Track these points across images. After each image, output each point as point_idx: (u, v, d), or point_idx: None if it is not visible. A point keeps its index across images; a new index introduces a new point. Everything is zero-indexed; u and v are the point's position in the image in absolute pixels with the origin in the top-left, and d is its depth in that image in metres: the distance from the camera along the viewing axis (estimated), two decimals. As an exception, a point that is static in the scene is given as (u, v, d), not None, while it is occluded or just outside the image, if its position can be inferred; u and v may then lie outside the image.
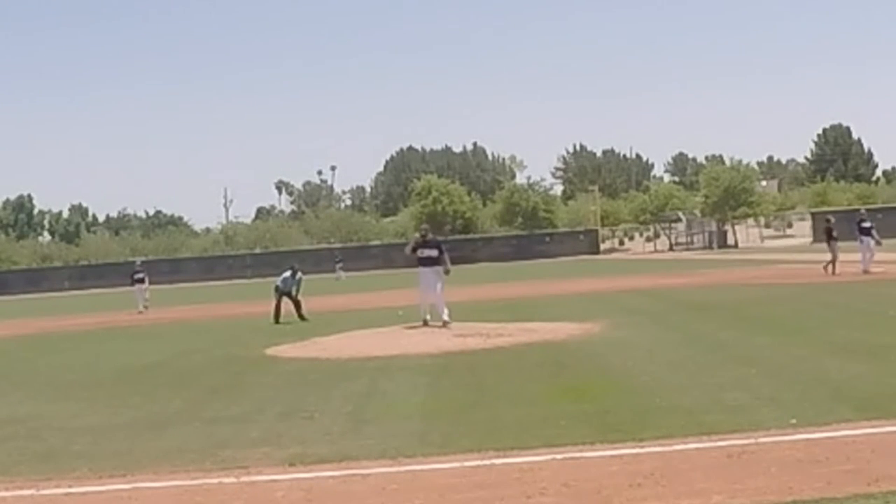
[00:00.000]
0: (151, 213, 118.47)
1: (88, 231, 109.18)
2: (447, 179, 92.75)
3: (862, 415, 6.91)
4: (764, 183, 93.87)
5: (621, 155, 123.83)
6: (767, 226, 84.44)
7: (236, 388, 10.90)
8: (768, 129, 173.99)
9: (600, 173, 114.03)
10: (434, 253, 16.82)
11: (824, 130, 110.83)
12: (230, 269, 79.09)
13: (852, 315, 14.82)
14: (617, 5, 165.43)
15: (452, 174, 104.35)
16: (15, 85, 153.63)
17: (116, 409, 9.83)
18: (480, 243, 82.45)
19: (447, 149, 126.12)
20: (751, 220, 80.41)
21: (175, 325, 23.94)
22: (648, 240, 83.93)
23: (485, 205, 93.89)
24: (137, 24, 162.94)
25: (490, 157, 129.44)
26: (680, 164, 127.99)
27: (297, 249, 78.10)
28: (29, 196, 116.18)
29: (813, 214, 73.18)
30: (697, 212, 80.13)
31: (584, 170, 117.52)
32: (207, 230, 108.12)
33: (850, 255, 25.21)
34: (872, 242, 24.90)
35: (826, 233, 25.99)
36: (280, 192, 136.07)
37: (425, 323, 16.22)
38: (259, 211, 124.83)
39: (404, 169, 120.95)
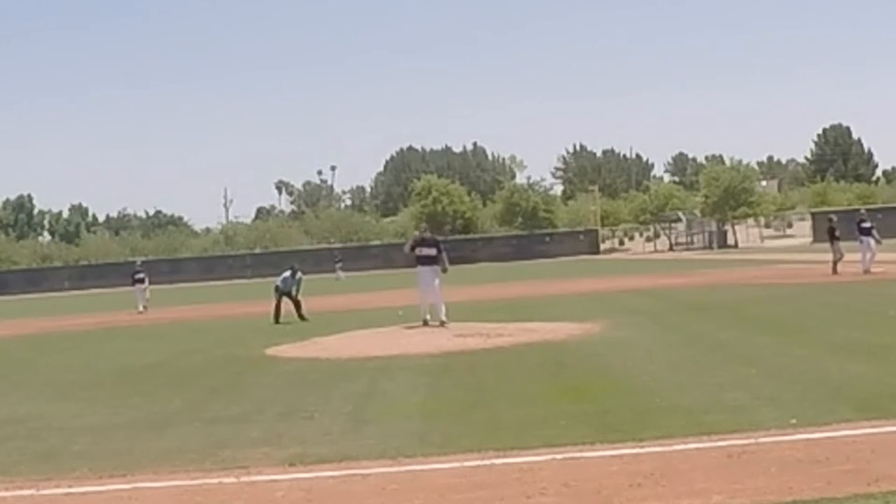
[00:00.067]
0: (151, 213, 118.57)
1: (88, 231, 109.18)
2: (447, 179, 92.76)
3: (862, 415, 6.91)
4: (764, 183, 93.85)
5: (621, 155, 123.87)
6: (767, 226, 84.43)
7: (236, 388, 10.90)
8: (768, 129, 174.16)
9: (600, 173, 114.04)
10: (432, 252, 16.83)
11: (824, 130, 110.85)
12: (230, 269, 79.09)
13: (852, 315, 14.82)
14: (617, 5, 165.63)
15: (452, 174, 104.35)
16: (15, 85, 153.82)
17: (116, 409, 9.83)
18: (480, 243, 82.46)
19: (447, 149, 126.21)
20: (751, 220, 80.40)
21: (175, 325, 23.94)
22: (648, 240, 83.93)
23: (485, 205, 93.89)
24: (137, 24, 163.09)
25: (490, 157, 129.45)
26: (680, 164, 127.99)
27: (297, 249, 78.09)
28: (29, 196, 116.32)
29: (813, 214, 73.18)
30: (697, 212, 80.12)
31: (584, 170, 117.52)
32: (207, 230, 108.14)
33: (851, 255, 25.20)
34: (873, 242, 24.89)
35: (829, 232, 25.96)
36: (280, 192, 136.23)
37: (425, 323, 16.22)
38: (259, 211, 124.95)
39: (404, 169, 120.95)
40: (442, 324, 15.96)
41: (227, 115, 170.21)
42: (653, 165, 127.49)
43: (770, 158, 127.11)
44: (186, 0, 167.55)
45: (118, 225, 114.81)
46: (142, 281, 32.49)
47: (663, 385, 8.93)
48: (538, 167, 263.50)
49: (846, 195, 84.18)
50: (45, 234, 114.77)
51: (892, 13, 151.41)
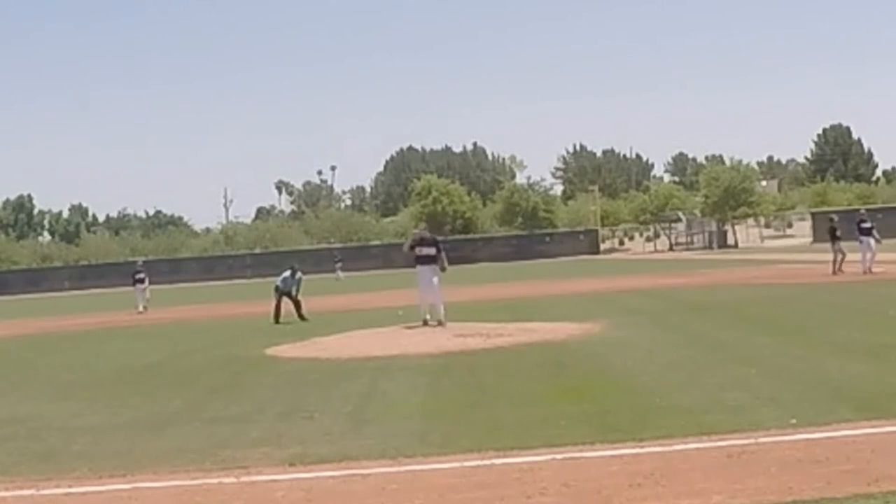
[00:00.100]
0: (151, 213, 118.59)
1: (88, 231, 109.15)
2: (447, 179, 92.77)
3: (862, 415, 6.91)
4: (764, 183, 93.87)
5: (621, 155, 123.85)
6: (767, 226, 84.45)
7: (236, 388, 10.90)
8: (768, 129, 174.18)
9: (600, 173, 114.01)
10: (432, 251, 16.82)
11: (824, 130, 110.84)
12: (230, 269, 79.08)
13: (852, 315, 14.82)
14: (617, 5, 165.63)
15: (452, 174, 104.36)
16: (15, 85, 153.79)
17: (116, 409, 9.83)
18: (480, 243, 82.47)
19: (447, 149, 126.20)
20: (751, 220, 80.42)
21: (175, 325, 23.94)
22: (648, 240, 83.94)
23: (485, 205, 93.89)
24: (138, 24, 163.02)
25: (490, 157, 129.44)
26: (680, 164, 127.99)
27: (297, 249, 78.08)
28: (29, 196, 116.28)
29: (813, 214, 73.18)
30: (697, 212, 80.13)
31: (584, 170, 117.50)
32: (207, 230, 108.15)
33: (851, 255, 25.20)
34: (873, 242, 24.88)
35: (830, 232, 25.96)
36: (280, 192, 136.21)
37: (425, 323, 16.21)
38: (259, 211, 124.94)
39: (404, 169, 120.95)
40: (439, 323, 15.97)
41: (227, 115, 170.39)
42: (653, 165, 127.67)
43: (770, 158, 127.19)
44: (186, 0, 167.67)
45: (118, 225, 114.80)
46: (142, 281, 32.49)
47: (663, 385, 8.93)
48: (538, 167, 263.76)
49: (846, 195, 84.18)
50: (45, 234, 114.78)
51: (892, 13, 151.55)
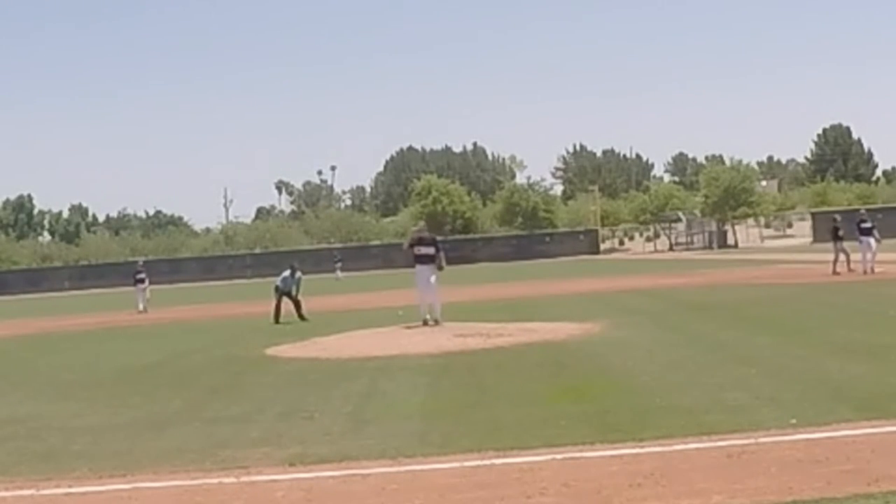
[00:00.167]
0: (151, 213, 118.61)
1: (88, 231, 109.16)
2: (447, 179, 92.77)
3: (862, 415, 6.91)
4: (764, 183, 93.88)
5: (621, 155, 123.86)
6: (767, 226, 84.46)
7: (236, 388, 10.90)
8: (768, 129, 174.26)
9: (600, 173, 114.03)
10: (431, 250, 16.82)
11: (824, 130, 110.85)
12: (230, 269, 79.09)
13: (852, 315, 14.82)
14: (617, 5, 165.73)
15: (452, 174, 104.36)
16: (15, 85, 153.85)
17: (116, 409, 9.83)
18: (480, 243, 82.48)
19: (447, 149, 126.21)
20: (751, 220, 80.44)
21: (175, 325, 23.95)
22: (648, 240, 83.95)
23: (485, 205, 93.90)
24: (138, 24, 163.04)
25: (490, 157, 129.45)
26: (680, 164, 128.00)
27: (297, 249, 78.06)
28: (29, 196, 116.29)
29: (813, 214, 73.20)
30: (697, 212, 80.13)
31: (584, 170, 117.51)
32: (207, 230, 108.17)
33: (853, 256, 25.19)
34: (873, 242, 24.88)
35: (832, 232, 25.95)
36: (280, 192, 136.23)
37: (425, 323, 16.21)
38: (259, 211, 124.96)
39: (404, 169, 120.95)
40: (436, 322, 15.99)
41: (227, 115, 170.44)
42: (653, 165, 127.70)
43: (770, 158, 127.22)
44: (186, 0, 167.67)
45: (118, 225, 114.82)
46: (143, 281, 32.53)
47: (663, 385, 8.93)
48: (538, 167, 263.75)
49: (846, 195, 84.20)
50: (45, 234, 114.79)
51: (892, 13, 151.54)
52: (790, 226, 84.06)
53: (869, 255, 24.60)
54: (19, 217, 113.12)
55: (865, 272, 23.99)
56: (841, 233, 25.56)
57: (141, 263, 39.14)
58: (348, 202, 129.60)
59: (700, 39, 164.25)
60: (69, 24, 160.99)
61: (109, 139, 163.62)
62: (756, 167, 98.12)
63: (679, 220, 79.98)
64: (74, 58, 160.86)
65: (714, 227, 75.67)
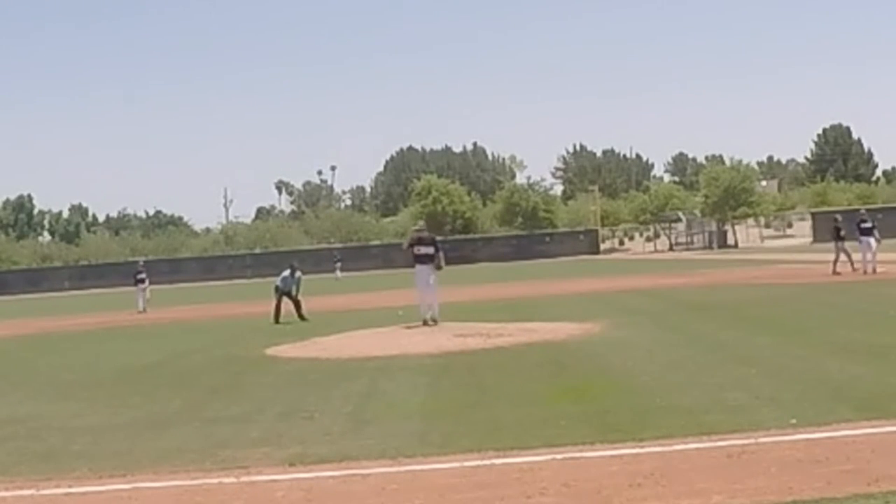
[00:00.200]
0: (151, 213, 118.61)
1: (88, 231, 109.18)
2: (447, 179, 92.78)
3: (862, 415, 6.91)
4: (764, 183, 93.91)
5: (621, 155, 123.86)
6: (767, 226, 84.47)
7: (236, 388, 10.90)
8: (768, 129, 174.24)
9: (600, 173, 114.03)
10: (430, 250, 16.83)
11: (824, 130, 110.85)
12: (230, 269, 79.10)
13: (852, 315, 14.82)
14: (617, 5, 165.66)
15: (452, 174, 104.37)
16: (15, 85, 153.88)
17: (116, 409, 9.83)
18: (480, 243, 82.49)
19: (447, 149, 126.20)
20: (751, 220, 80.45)
21: (175, 325, 23.95)
22: (648, 240, 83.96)
23: (485, 205, 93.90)
24: (137, 24, 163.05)
25: (490, 157, 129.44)
26: (680, 164, 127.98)
27: (297, 249, 78.07)
28: (29, 196, 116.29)
29: (813, 214, 73.20)
30: (697, 212, 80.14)
31: (584, 170, 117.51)
32: (207, 230, 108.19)
33: (854, 256, 25.20)
34: (873, 242, 24.87)
35: (834, 232, 25.95)
36: (280, 192, 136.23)
37: (425, 323, 16.21)
38: (259, 211, 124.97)
39: (404, 169, 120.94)
40: (434, 322, 16.00)
41: (227, 115, 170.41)
42: (653, 165, 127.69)
43: (770, 158, 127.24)
44: (186, 0, 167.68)
45: (118, 225, 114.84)
46: (143, 281, 32.55)
47: (663, 385, 8.93)
48: (538, 167, 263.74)
49: (846, 195, 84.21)
50: (45, 234, 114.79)
51: (892, 13, 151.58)
52: (790, 226, 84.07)
53: (869, 255, 24.60)
54: (19, 217, 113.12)
55: (866, 272, 23.99)
56: (842, 233, 25.56)
57: (142, 263, 39.23)
58: (348, 202, 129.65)
59: (700, 39, 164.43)
60: (69, 24, 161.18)
61: (109, 139, 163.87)
62: (756, 167, 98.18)
63: (679, 220, 79.99)
64: (74, 58, 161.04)
65: (714, 227, 75.68)
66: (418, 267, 16.75)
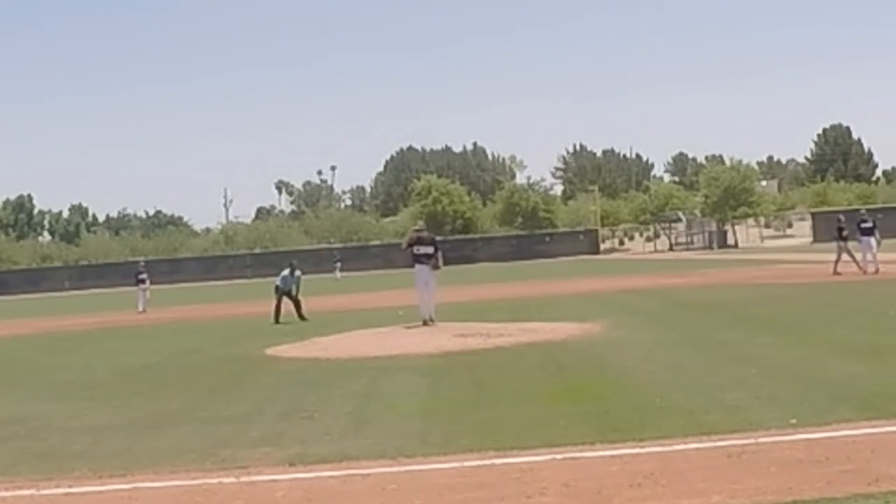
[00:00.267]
0: (151, 213, 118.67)
1: (88, 231, 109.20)
2: (447, 179, 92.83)
3: (862, 415, 6.91)
4: (764, 183, 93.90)
5: (621, 155, 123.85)
6: (767, 226, 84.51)
7: (236, 388, 10.90)
8: (768, 129, 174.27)
9: (600, 173, 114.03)
10: (430, 250, 16.84)
11: (824, 130, 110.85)
12: (230, 269, 79.17)
13: (853, 315, 14.82)
14: (617, 5, 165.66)
15: (452, 174, 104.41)
16: (15, 85, 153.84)
17: (116, 409, 9.83)
18: (480, 243, 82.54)
19: (447, 149, 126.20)
20: (751, 220, 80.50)
21: (175, 325, 23.95)
22: (648, 240, 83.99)
23: (485, 205, 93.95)
24: (137, 23, 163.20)
25: (490, 157, 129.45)
26: (680, 164, 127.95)
27: (297, 249, 78.10)
28: (29, 196, 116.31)
29: (813, 214, 73.22)
30: (697, 212, 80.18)
31: (584, 170, 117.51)
32: (207, 230, 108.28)
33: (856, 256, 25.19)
34: (874, 242, 24.87)
35: (837, 231, 25.93)
36: (280, 192, 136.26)
37: (425, 323, 16.22)
38: (259, 211, 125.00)
39: (404, 169, 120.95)
40: (432, 321, 16.02)
41: (227, 115, 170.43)
42: (653, 165, 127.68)
43: (770, 158, 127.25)
44: (186, 0, 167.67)
45: (118, 225, 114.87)
46: (144, 281, 32.58)
47: (663, 385, 8.92)
48: (538, 167, 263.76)
49: (846, 195, 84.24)
50: (45, 234, 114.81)
51: (892, 13, 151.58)
52: (790, 226, 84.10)
53: (870, 255, 24.60)
54: (19, 217, 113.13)
55: (866, 272, 23.99)
56: (845, 233, 25.56)
57: (142, 264, 39.31)
58: (348, 202, 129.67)
59: (700, 39, 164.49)
60: (69, 24, 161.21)
61: (109, 139, 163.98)
62: (756, 167, 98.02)
63: (679, 220, 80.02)
64: (74, 58, 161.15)
65: (714, 227, 75.71)
66: (418, 267, 16.75)
